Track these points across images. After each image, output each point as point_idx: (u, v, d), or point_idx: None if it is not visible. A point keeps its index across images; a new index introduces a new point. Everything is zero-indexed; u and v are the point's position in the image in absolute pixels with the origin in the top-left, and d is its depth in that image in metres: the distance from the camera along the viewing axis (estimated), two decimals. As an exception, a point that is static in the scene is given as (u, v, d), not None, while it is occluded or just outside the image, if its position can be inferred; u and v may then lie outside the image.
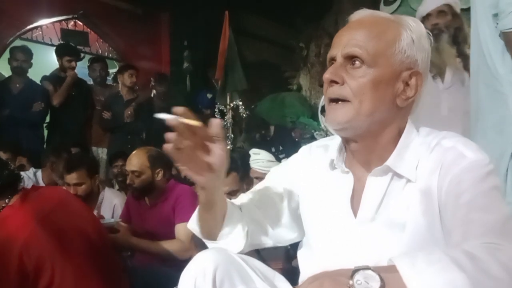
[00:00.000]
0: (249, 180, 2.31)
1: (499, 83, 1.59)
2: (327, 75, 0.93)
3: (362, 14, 0.97)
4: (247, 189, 1.52)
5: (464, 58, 2.34)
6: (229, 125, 4.13)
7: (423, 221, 0.89)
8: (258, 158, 2.66)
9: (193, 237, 2.21)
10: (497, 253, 0.70)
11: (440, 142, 0.92)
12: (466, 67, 2.32)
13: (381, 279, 0.68)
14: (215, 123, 0.86)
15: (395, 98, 0.92)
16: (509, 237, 0.76)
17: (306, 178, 1.08)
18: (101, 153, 4.53)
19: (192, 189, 2.75)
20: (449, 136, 0.94)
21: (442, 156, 0.90)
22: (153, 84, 4.82)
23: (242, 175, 2.16)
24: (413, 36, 0.93)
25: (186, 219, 2.52)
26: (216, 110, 4.12)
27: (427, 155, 0.92)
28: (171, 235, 2.41)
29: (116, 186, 3.65)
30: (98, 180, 2.95)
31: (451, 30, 2.33)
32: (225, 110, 4.15)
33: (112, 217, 2.91)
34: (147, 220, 2.49)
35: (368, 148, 0.96)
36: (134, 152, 2.51)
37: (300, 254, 1.10)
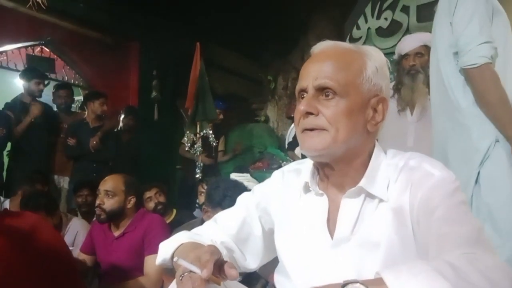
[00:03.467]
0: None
1: (462, 115, 1.70)
2: (302, 107, 0.96)
3: (325, 45, 1.02)
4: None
5: None
6: (198, 153, 4.12)
7: (397, 239, 0.92)
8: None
9: (166, 270, 2.16)
10: (475, 262, 0.74)
11: (407, 163, 0.97)
12: None
13: None
14: (232, 276, 0.86)
15: (366, 124, 0.97)
16: (484, 246, 0.81)
17: (280, 204, 1.10)
18: (62, 182, 4.38)
19: (163, 218, 2.69)
20: (414, 157, 0.99)
21: (411, 175, 0.94)
22: (122, 116, 4.77)
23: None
24: (376, 64, 0.98)
25: (157, 250, 2.45)
26: (186, 138, 4.11)
27: (396, 175, 0.96)
28: (139, 267, 2.33)
29: (79, 215, 3.53)
30: (59, 213, 2.86)
31: (427, 70, 2.42)
32: (194, 139, 4.15)
33: (73, 245, 2.81)
34: (114, 251, 2.39)
35: (342, 172, 0.99)
36: (110, 175, 2.49)
37: (278, 281, 1.10)
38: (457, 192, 0.92)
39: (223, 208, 1.94)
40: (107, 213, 2.37)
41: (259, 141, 4.86)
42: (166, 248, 1.02)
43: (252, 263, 1.12)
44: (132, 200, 2.43)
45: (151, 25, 5.30)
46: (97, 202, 2.39)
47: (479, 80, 1.62)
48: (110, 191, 2.38)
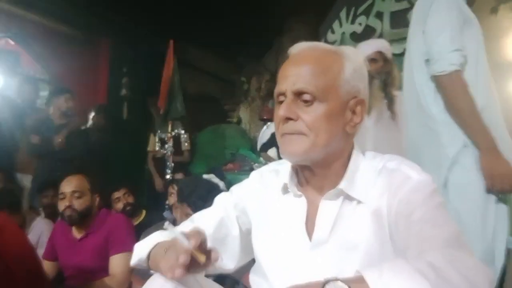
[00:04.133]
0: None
1: (432, 122, 1.75)
2: (281, 113, 0.95)
3: (302, 46, 1.01)
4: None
5: (390, 99, 2.54)
6: (169, 153, 4.05)
7: (375, 240, 0.92)
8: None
9: (135, 270, 2.10)
10: (456, 263, 0.75)
11: (385, 165, 0.98)
12: (390, 107, 2.52)
13: None
14: (215, 259, 0.86)
15: (345, 126, 0.97)
16: (463, 248, 0.82)
17: (258, 204, 1.09)
18: (25, 180, 4.21)
19: (127, 217, 2.63)
20: (392, 159, 1.00)
21: (389, 178, 0.95)
22: (93, 115, 4.64)
23: None
24: (354, 66, 0.98)
25: (122, 250, 2.39)
26: (157, 138, 4.04)
27: (375, 177, 0.97)
28: (105, 268, 2.26)
29: (43, 214, 3.40)
30: (23, 213, 2.76)
31: (382, 75, 2.48)
32: (165, 138, 4.08)
33: (37, 245, 2.70)
34: (77, 254, 2.30)
35: (322, 174, 0.99)
36: (71, 175, 2.36)
37: (254, 281, 1.09)
38: (434, 195, 0.93)
39: (190, 203, 1.93)
40: (79, 213, 2.28)
41: (231, 142, 4.85)
42: (142, 248, 1.00)
43: (229, 263, 1.10)
44: (97, 199, 2.37)
45: (122, 21, 5.19)
46: (65, 204, 2.28)
47: (449, 87, 1.66)
48: (77, 191, 2.29)
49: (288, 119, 0.94)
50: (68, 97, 4.14)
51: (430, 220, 0.87)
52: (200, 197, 1.95)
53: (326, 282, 0.72)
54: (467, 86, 1.64)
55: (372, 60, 2.51)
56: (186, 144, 4.17)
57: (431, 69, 1.71)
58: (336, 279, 0.72)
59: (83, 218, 2.30)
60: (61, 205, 2.30)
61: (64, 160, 4.01)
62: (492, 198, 1.64)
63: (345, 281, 0.72)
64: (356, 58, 1.00)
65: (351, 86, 0.96)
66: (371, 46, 2.57)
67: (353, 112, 0.98)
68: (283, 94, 0.96)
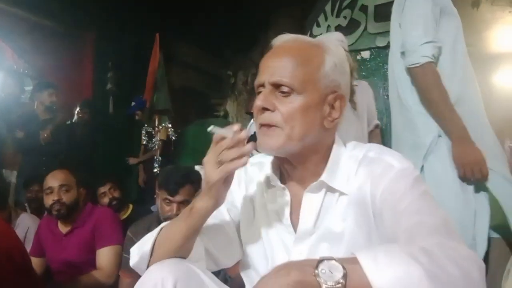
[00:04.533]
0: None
1: (409, 112, 1.80)
2: (258, 103, 0.94)
3: (285, 39, 1.00)
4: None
5: (350, 90, 2.56)
6: (157, 147, 4.04)
7: (359, 231, 0.93)
8: None
9: (123, 264, 2.10)
10: (448, 250, 0.74)
11: (366, 155, 0.98)
12: (351, 97, 2.53)
13: (344, 269, 0.71)
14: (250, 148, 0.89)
15: (322, 121, 0.96)
16: (454, 236, 0.82)
17: (244, 197, 1.10)
18: (11, 176, 4.17)
19: (112, 211, 2.63)
20: (373, 148, 1.00)
21: (371, 167, 0.95)
22: (78, 110, 4.59)
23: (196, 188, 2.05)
24: (335, 60, 0.97)
25: (108, 243, 2.40)
26: (144, 132, 4.02)
27: (356, 167, 0.97)
28: (92, 262, 2.27)
29: (29, 210, 3.38)
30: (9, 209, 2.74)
31: None
32: (153, 132, 4.07)
33: (24, 241, 2.68)
34: (64, 249, 2.31)
35: (302, 167, 0.99)
36: (55, 170, 2.37)
37: (244, 274, 1.11)
38: (418, 182, 0.92)
39: (166, 188, 1.95)
40: (67, 206, 2.29)
41: (218, 136, 4.83)
42: (143, 242, 1.01)
43: (227, 256, 1.10)
44: (83, 193, 2.39)
45: (107, 15, 5.13)
46: (53, 198, 2.28)
47: (422, 78, 1.71)
48: (65, 185, 2.30)
49: (265, 109, 0.94)
50: (51, 91, 4.08)
51: (417, 209, 0.86)
52: (176, 182, 1.96)
53: (321, 260, 0.72)
54: (439, 77, 1.68)
55: None
56: (173, 138, 4.13)
57: (406, 61, 1.76)
58: (331, 258, 0.72)
59: (70, 212, 2.31)
60: (48, 200, 2.29)
61: (49, 155, 3.97)
62: (470, 187, 1.68)
63: (339, 260, 0.72)
64: (337, 52, 0.98)
65: (330, 80, 0.96)
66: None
67: (332, 107, 0.97)
68: (262, 85, 0.96)
